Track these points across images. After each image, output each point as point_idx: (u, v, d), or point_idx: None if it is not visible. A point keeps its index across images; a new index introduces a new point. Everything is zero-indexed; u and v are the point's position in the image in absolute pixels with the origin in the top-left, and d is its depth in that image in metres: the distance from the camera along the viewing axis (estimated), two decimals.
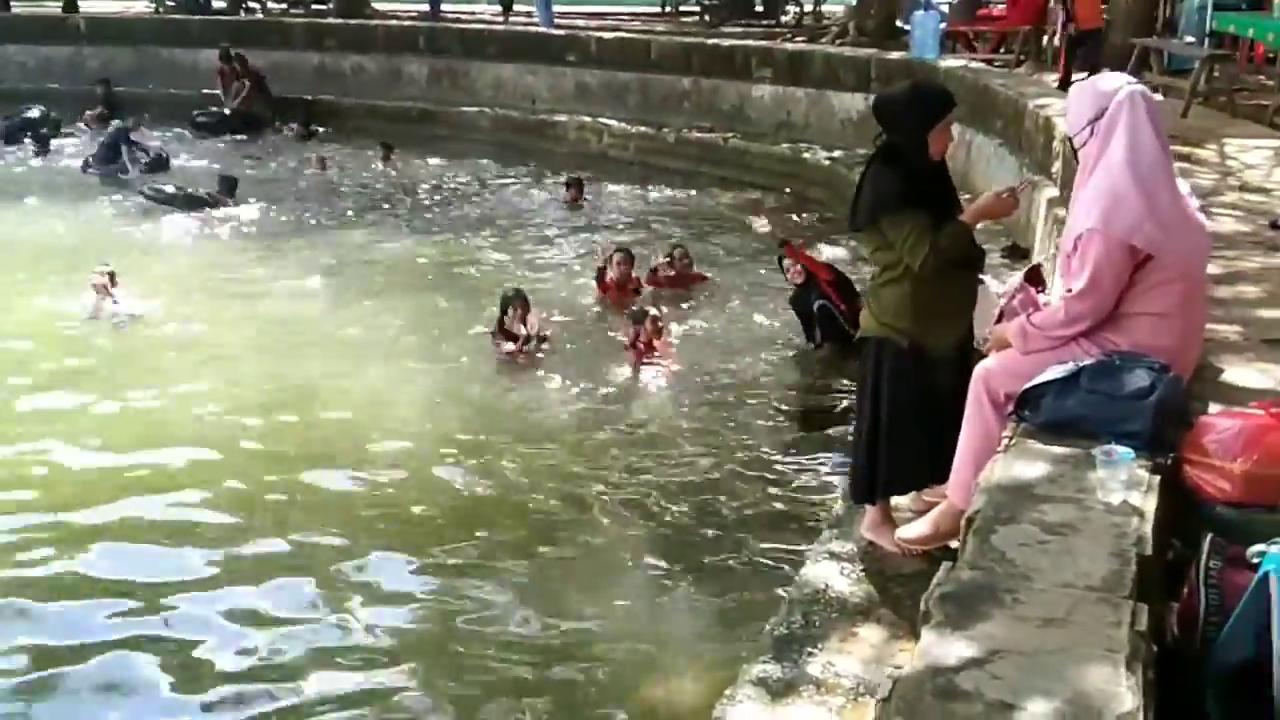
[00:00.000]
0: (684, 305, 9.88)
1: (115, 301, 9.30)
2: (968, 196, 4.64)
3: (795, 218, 13.04)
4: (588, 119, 16.98)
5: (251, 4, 22.90)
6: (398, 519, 6.32)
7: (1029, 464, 3.06)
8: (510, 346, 8.56)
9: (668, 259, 10.39)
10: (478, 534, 6.14)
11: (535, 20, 20.06)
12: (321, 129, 17.67)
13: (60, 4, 22.77)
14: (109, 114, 17.46)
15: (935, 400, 4.34)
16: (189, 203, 12.84)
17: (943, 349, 4.38)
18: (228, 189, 13.23)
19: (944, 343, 4.38)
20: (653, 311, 8.92)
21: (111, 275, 9.36)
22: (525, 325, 8.61)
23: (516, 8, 22.54)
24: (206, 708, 4.77)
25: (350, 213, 13.25)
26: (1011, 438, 3.28)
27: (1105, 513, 2.78)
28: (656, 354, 8.46)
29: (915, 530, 4.38)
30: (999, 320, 4.16)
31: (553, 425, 7.52)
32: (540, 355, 8.62)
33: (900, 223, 4.26)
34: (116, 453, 7.05)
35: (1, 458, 6.96)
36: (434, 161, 16.06)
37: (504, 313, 8.68)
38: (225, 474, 6.78)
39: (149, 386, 8.06)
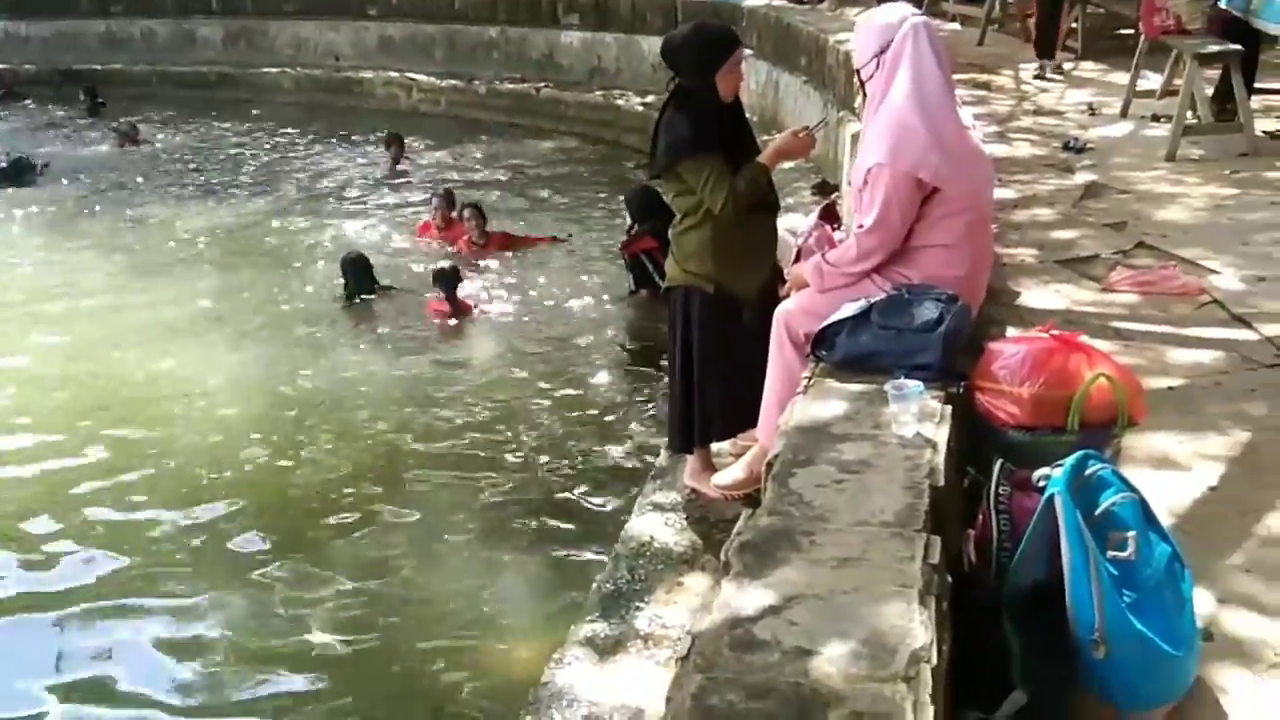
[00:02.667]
0: (502, 259, 9.75)
1: None
2: (777, 134, 4.63)
3: (612, 166, 12.99)
4: (395, 74, 16.53)
5: None
6: (217, 503, 6.08)
7: (826, 403, 3.07)
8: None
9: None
10: (301, 509, 5.99)
11: None
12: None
13: None
14: None
15: (744, 344, 4.34)
16: None
17: (747, 292, 4.39)
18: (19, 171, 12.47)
19: (748, 286, 4.39)
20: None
21: None
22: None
23: None
24: None
25: (154, 187, 12.64)
26: (810, 378, 3.28)
27: (899, 447, 2.80)
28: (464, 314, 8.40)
29: (730, 475, 4.39)
30: (796, 259, 4.18)
31: (374, 391, 7.37)
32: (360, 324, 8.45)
33: (698, 168, 4.23)
34: None
35: None
36: (236, 127, 15.41)
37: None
38: (28, 461, 6.45)
39: None
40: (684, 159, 4.27)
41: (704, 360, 4.47)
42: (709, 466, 4.67)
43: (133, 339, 8.28)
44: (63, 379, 7.63)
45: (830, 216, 4.15)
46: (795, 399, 3.16)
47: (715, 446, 4.74)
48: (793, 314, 3.80)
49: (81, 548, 5.69)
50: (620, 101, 14.22)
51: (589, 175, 12.69)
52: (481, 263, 9.62)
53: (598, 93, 14.73)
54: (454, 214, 10.20)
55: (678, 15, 14.21)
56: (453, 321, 8.40)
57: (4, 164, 12.63)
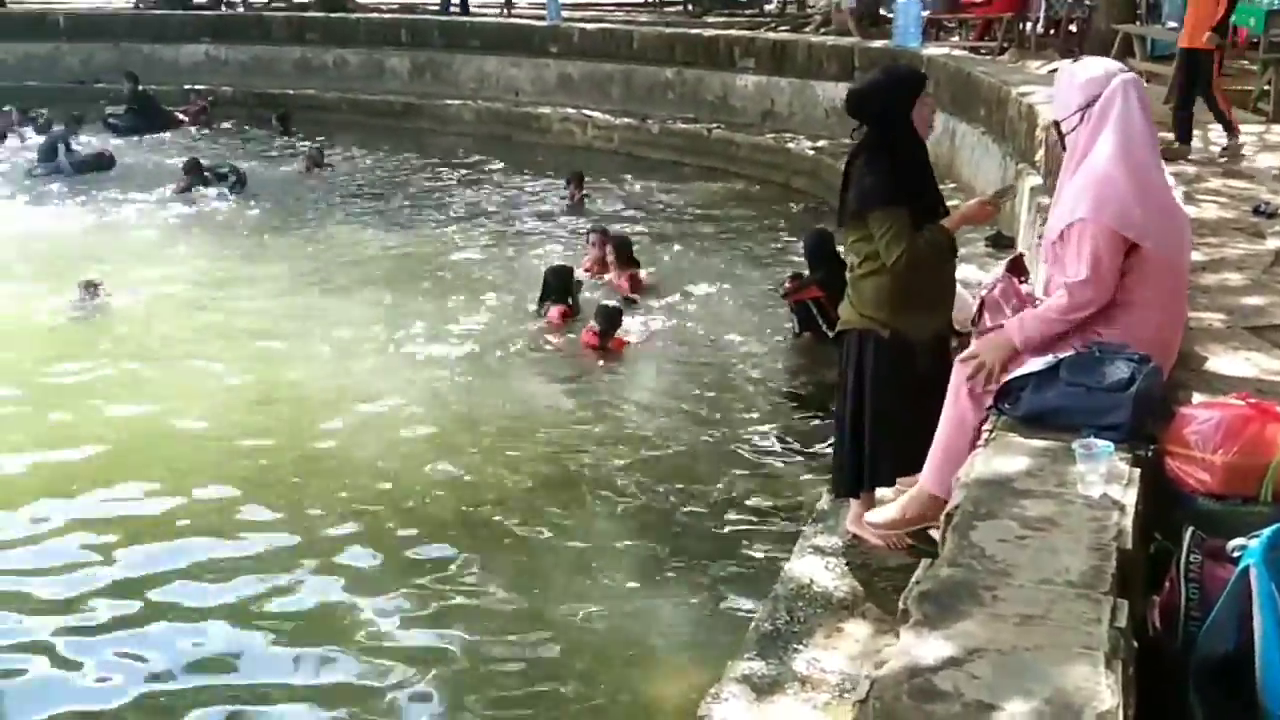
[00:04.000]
0: (669, 298, 9.85)
1: (98, 300, 9.25)
2: (952, 185, 4.62)
3: (779, 207, 13.02)
4: (572, 111, 16.91)
5: None
6: (385, 514, 6.29)
7: (1009, 458, 3.03)
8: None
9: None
10: (463, 528, 6.13)
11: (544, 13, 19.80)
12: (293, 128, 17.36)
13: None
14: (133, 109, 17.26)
15: (917, 390, 4.34)
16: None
17: (923, 337, 4.39)
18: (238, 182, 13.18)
19: (924, 331, 4.39)
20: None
21: (95, 284, 9.31)
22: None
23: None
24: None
25: (338, 209, 13.13)
26: (992, 431, 3.25)
27: (1085, 507, 2.75)
28: (614, 349, 8.53)
29: (884, 514, 4.37)
30: (979, 310, 4.14)
31: (536, 417, 7.52)
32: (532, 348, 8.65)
33: (884, 219, 4.27)
34: (100, 452, 7.00)
35: None
36: (418, 155, 15.94)
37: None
38: (212, 473, 6.74)
39: (137, 386, 8.03)
40: (874, 209, 4.30)
41: (877, 405, 4.47)
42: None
43: (314, 355, 8.61)
44: (246, 392, 7.96)
45: (1017, 270, 4.11)
46: (976, 452, 3.14)
47: (878, 492, 4.71)
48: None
49: (262, 548, 5.92)
50: (791, 145, 14.27)
51: (756, 216, 12.74)
52: (644, 299, 9.75)
53: (769, 135, 14.81)
54: (610, 250, 10.38)
55: (854, 61, 14.25)
56: (600, 360, 8.47)
57: (227, 172, 13.29)
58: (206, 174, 13.34)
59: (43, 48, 20.47)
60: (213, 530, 6.09)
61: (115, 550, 5.89)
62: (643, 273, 10.07)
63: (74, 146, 14.92)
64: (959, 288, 4.78)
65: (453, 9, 20.73)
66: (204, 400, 7.74)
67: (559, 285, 9.28)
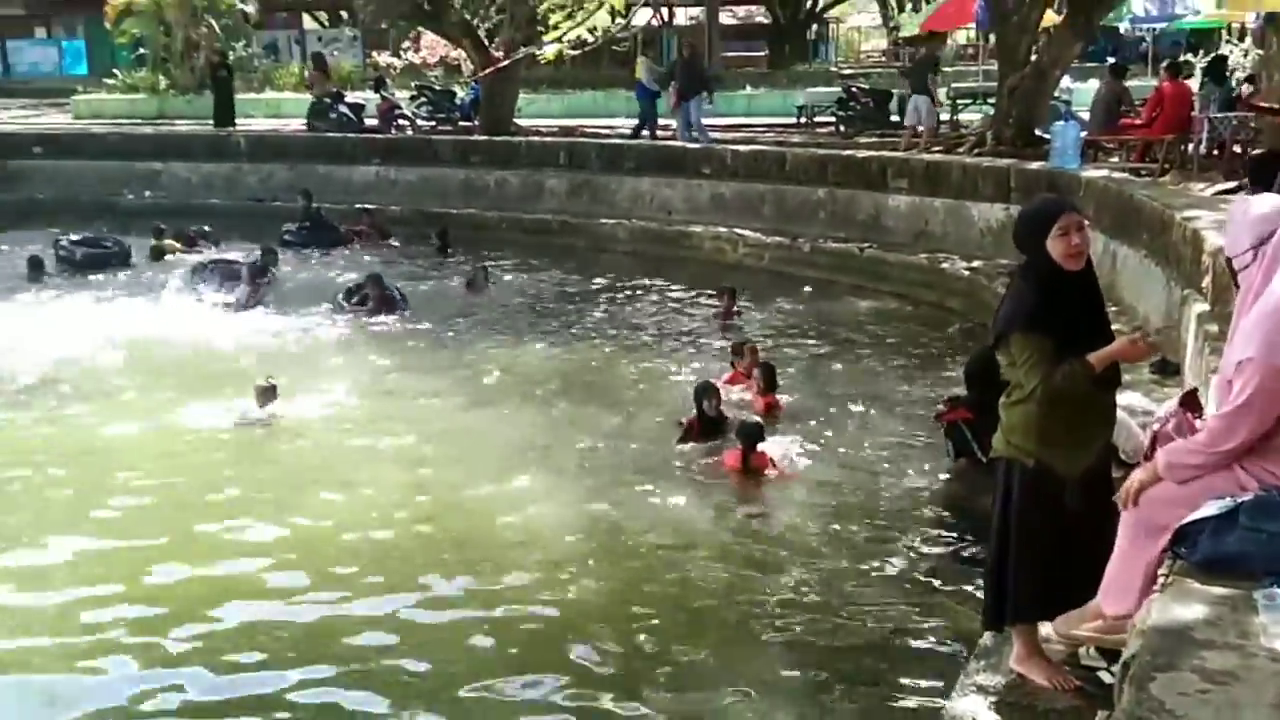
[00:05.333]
0: (818, 418, 9.83)
1: (268, 410, 9.66)
2: (1114, 309, 4.56)
3: (933, 328, 12.93)
4: (723, 230, 17.18)
5: (401, 122, 23.86)
6: (531, 628, 6.38)
7: (1187, 606, 2.95)
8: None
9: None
10: (616, 650, 6.14)
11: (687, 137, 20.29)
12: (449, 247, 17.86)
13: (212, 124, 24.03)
14: (305, 227, 18.11)
15: (1064, 524, 4.28)
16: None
17: (1071, 471, 4.29)
18: (387, 300, 13.63)
19: (1074, 465, 4.30)
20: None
21: (273, 388, 9.73)
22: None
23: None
24: None
25: (496, 325, 13.48)
26: (1168, 575, 3.17)
27: (1269, 660, 2.66)
28: (767, 469, 8.49)
29: (1068, 625, 4.35)
30: (1152, 444, 4.06)
31: (683, 537, 7.53)
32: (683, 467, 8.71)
33: (1024, 344, 4.25)
34: (264, 564, 7.25)
35: (155, 552, 7.24)
36: (574, 272, 16.33)
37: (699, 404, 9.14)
38: (374, 584, 6.93)
39: (302, 498, 8.31)
40: (1014, 333, 4.28)
41: (1019, 536, 4.40)
42: (1038, 652, 4.53)
43: (469, 467, 8.81)
44: (406, 507, 8.16)
45: (1192, 405, 4.02)
46: (1152, 597, 3.06)
47: (1044, 631, 4.60)
48: (1154, 500, 3.69)
49: (423, 666, 6.03)
50: (945, 265, 14.22)
51: (909, 337, 12.68)
52: (794, 419, 9.75)
53: (922, 255, 14.77)
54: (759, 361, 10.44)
55: (1010, 182, 14.19)
56: (746, 480, 8.43)
57: (393, 293, 13.85)
58: (387, 290, 13.79)
59: (224, 168, 21.74)
60: (373, 636, 6.23)
61: (282, 659, 6.08)
62: (783, 399, 10.06)
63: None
64: (1126, 418, 4.69)
65: (643, 135, 21.18)
66: (366, 514, 7.96)
67: (700, 402, 9.34)
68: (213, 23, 31.44)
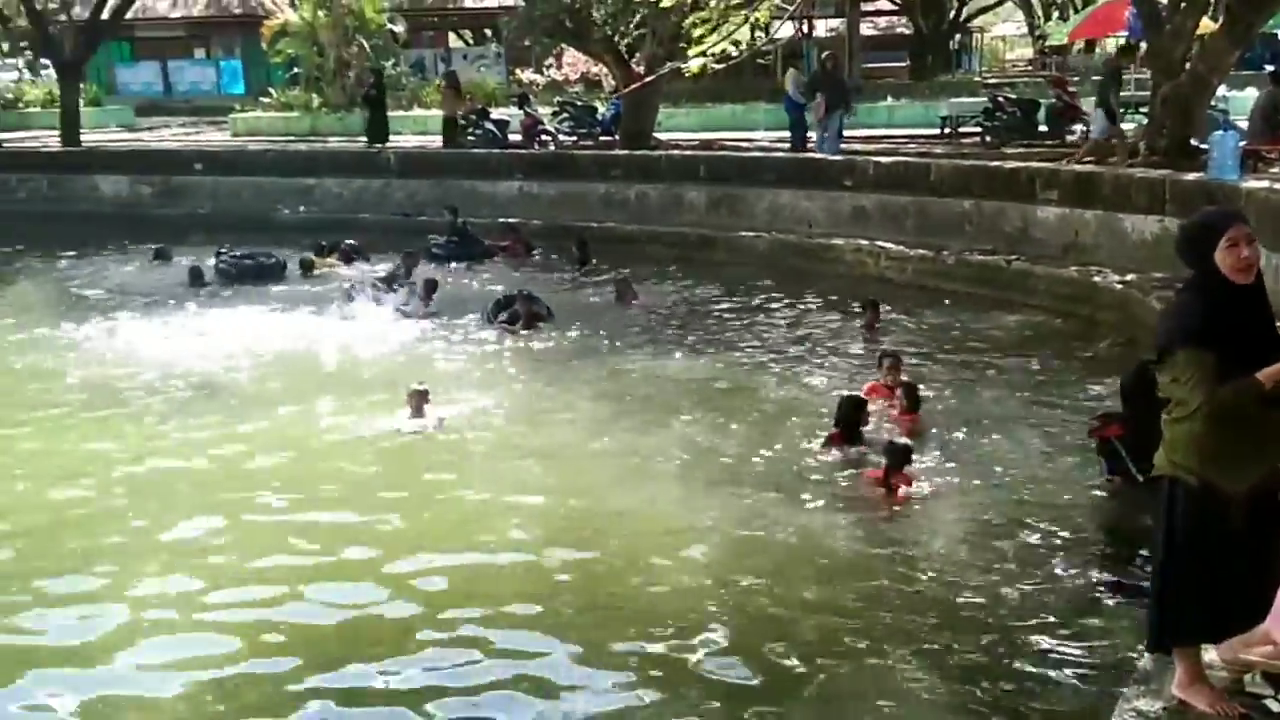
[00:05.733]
0: (964, 434, 9.67)
1: (424, 416, 9.92)
2: None
3: (1084, 343, 12.59)
4: (864, 242, 17.02)
5: (544, 137, 24.24)
6: (668, 638, 6.41)
7: None
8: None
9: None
10: (754, 662, 6.15)
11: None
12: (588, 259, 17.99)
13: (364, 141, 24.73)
14: (452, 241, 18.49)
15: (1229, 545, 4.16)
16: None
17: (1237, 490, 4.16)
18: (535, 314, 13.86)
19: (1238, 483, 4.17)
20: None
21: (424, 393, 9.99)
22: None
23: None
24: None
25: (639, 337, 13.56)
26: None
27: None
28: (904, 488, 8.40)
29: (1231, 650, 4.22)
30: None
31: (826, 553, 7.51)
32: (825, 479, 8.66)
33: (1187, 361, 4.14)
34: (409, 557, 7.49)
35: (324, 557, 7.50)
36: (713, 285, 16.33)
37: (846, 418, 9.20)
38: (514, 586, 7.08)
39: (448, 495, 8.57)
40: (1178, 349, 4.18)
41: (1183, 557, 4.29)
42: (1201, 678, 4.40)
43: (609, 477, 8.91)
44: (547, 509, 8.31)
45: None
46: None
47: (1207, 655, 4.46)
48: None
49: (579, 679, 6.12)
50: (1097, 278, 13.83)
51: (1059, 352, 12.35)
52: (938, 434, 9.61)
53: (1073, 268, 14.40)
54: (901, 378, 10.34)
55: (1165, 194, 13.77)
56: (889, 497, 8.36)
57: (541, 308, 14.04)
58: (535, 305, 13.99)
59: (374, 183, 22.37)
60: (541, 654, 6.34)
61: (434, 661, 6.24)
62: (925, 414, 9.95)
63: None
64: None
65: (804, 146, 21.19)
66: (511, 519, 8.12)
67: (848, 415, 9.31)
68: (364, 42, 32.41)
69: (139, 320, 14.57)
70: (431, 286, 15.16)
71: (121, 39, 40.27)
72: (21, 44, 40.79)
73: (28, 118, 33.03)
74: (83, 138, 27.51)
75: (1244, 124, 16.08)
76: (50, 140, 28.37)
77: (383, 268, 16.98)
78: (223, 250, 17.81)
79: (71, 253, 19.79)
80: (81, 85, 30.31)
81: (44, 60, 36.20)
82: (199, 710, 5.84)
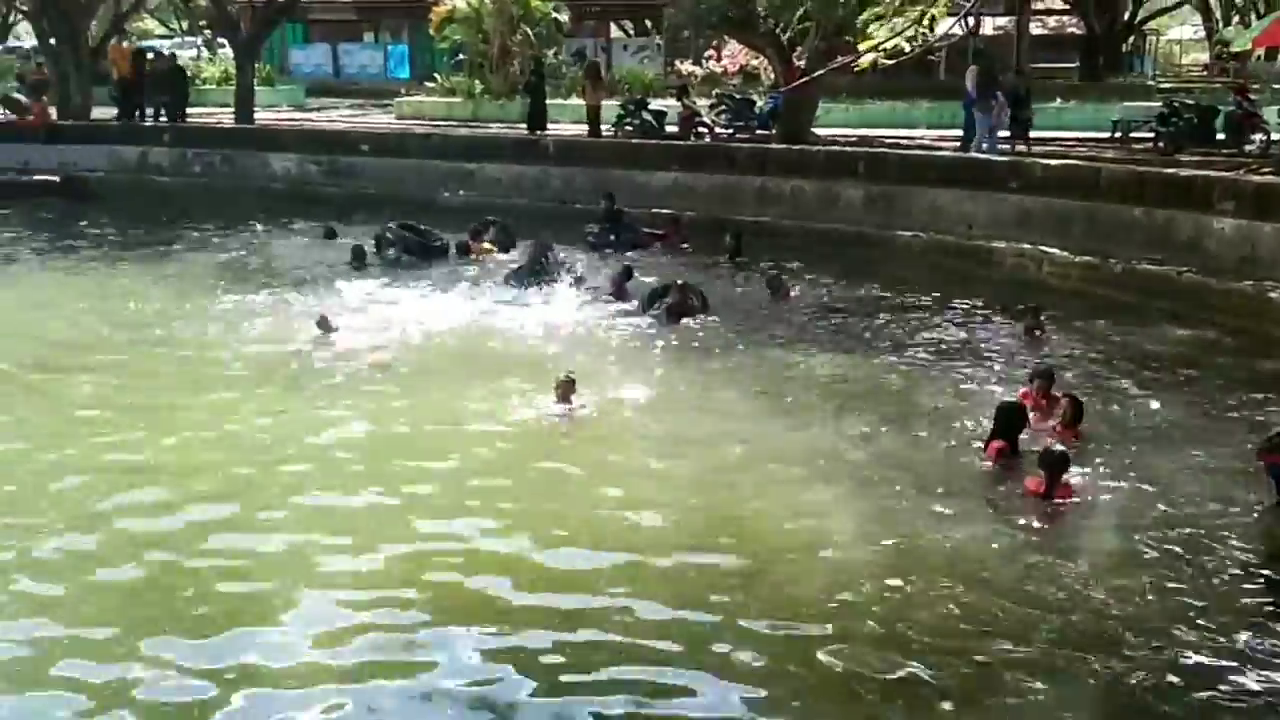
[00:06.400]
0: (1127, 449, 9.36)
1: (572, 405, 10.02)
2: None
3: (1258, 361, 12.06)
4: (1027, 246, 16.58)
5: (701, 129, 24.22)
6: (806, 641, 6.38)
7: None
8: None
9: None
10: (895, 674, 6.08)
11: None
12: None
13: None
14: (607, 228, 18.67)
15: None
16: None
17: None
18: (689, 307, 13.80)
19: None
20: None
21: (572, 382, 10.09)
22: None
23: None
24: None
25: (792, 333, 13.46)
26: None
27: None
28: (1059, 495, 8.18)
29: None
30: None
31: (976, 560, 7.40)
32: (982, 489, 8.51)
33: None
34: (551, 545, 7.59)
35: (466, 540, 7.65)
36: (869, 283, 16.09)
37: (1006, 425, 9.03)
38: (651, 577, 7.13)
39: (591, 484, 8.66)
40: None
41: None
42: None
43: (753, 475, 8.87)
44: (691, 503, 8.31)
45: None
46: None
47: None
48: None
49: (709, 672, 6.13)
50: (1274, 294, 13.24)
51: (1230, 368, 11.87)
52: (1101, 449, 9.32)
53: (1248, 283, 13.80)
54: (1055, 393, 10.04)
55: None
56: (1046, 503, 8.15)
57: (694, 301, 13.94)
58: (690, 298, 13.92)
59: (532, 170, 22.67)
60: (668, 639, 6.39)
61: (575, 651, 6.30)
62: (1086, 428, 9.65)
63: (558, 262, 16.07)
64: None
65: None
66: (654, 512, 8.14)
67: (1006, 422, 9.09)
68: (528, 30, 32.86)
69: (304, 297, 15.00)
70: (626, 275, 15.05)
71: (296, 20, 41.55)
72: (201, 23, 42.52)
73: (204, 94, 34.29)
74: (256, 116, 28.51)
75: None
76: (225, 117, 29.50)
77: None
78: (390, 223, 18.20)
79: (243, 228, 20.56)
80: (256, 65, 31.39)
81: (221, 39, 37.72)
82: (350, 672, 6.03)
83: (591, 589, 6.99)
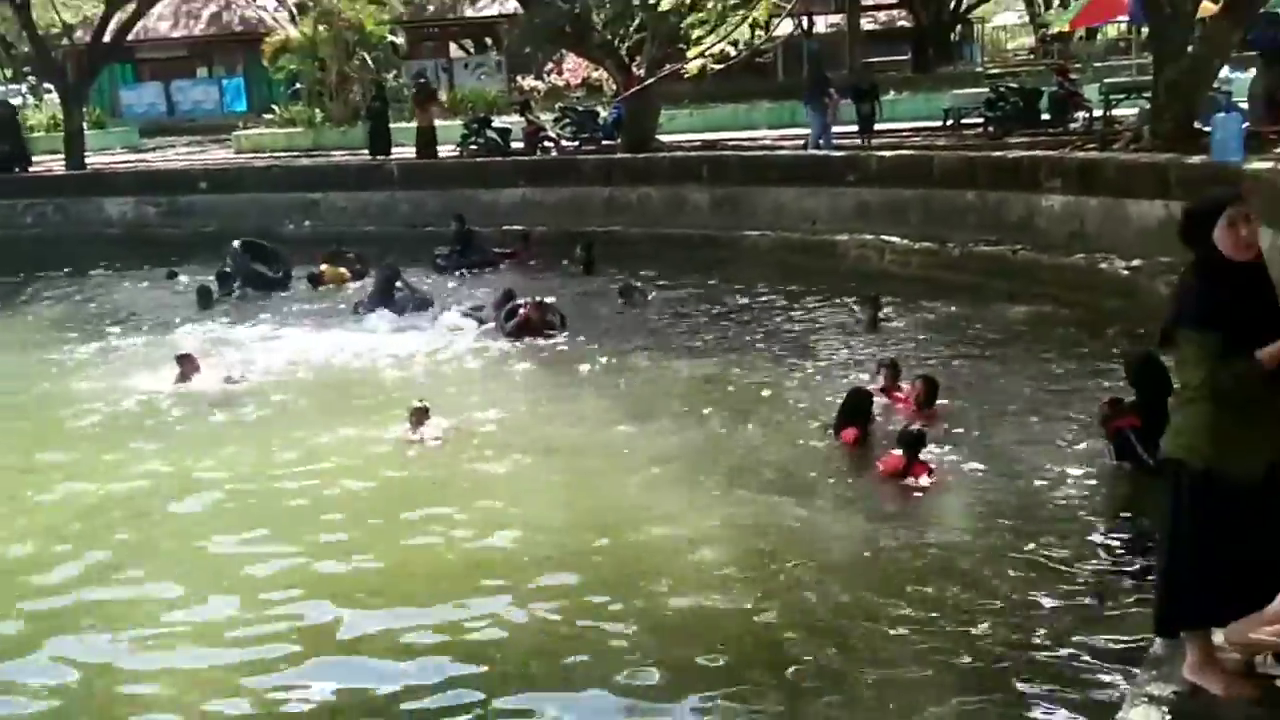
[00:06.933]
0: (973, 425, 9.66)
1: (427, 431, 9.90)
2: None
3: (1090, 331, 12.55)
4: (869, 237, 16.99)
5: (546, 143, 24.23)
6: (679, 639, 6.41)
7: None
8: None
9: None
10: (767, 658, 6.15)
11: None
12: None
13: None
14: (457, 250, 18.65)
15: (1233, 529, 4.16)
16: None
17: (1245, 474, 4.15)
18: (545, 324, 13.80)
19: (1249, 468, 4.16)
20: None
21: (425, 409, 9.97)
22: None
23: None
24: None
25: (644, 339, 13.57)
26: None
27: None
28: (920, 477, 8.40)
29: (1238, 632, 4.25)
30: None
31: (837, 543, 7.54)
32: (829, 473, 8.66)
33: (1191, 341, 4.17)
34: (414, 569, 7.49)
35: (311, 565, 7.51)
36: (717, 284, 16.32)
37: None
38: (523, 588, 7.08)
39: (451, 505, 8.53)
40: (1181, 329, 4.21)
41: (1190, 539, 4.28)
42: (1212, 661, 4.38)
43: (618, 482, 8.91)
44: (554, 516, 8.26)
45: None
46: None
47: (1216, 638, 4.44)
48: None
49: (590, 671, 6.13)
50: (1104, 265, 13.80)
51: (1065, 340, 12.34)
52: (949, 425, 9.60)
53: (1078, 256, 14.36)
54: (899, 382, 10.34)
55: (1169, 178, 13.72)
56: (902, 481, 8.38)
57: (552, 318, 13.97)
58: (547, 313, 13.90)
59: (378, 195, 22.40)
60: (545, 644, 6.39)
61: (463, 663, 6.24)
62: (938, 406, 9.95)
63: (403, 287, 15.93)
64: None
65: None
66: (518, 527, 8.09)
67: (853, 408, 9.31)
68: (365, 56, 32.47)
69: (149, 339, 14.59)
70: (508, 298, 14.83)
71: (124, 61, 40.36)
72: (24, 69, 40.97)
73: (33, 142, 33.06)
74: (88, 160, 27.60)
75: (1245, 105, 15.98)
76: (55, 165, 28.48)
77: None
78: (234, 245, 17.84)
79: (80, 276, 19.88)
80: (85, 108, 30.40)
81: (47, 85, 36.37)
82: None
83: (455, 606, 6.91)
